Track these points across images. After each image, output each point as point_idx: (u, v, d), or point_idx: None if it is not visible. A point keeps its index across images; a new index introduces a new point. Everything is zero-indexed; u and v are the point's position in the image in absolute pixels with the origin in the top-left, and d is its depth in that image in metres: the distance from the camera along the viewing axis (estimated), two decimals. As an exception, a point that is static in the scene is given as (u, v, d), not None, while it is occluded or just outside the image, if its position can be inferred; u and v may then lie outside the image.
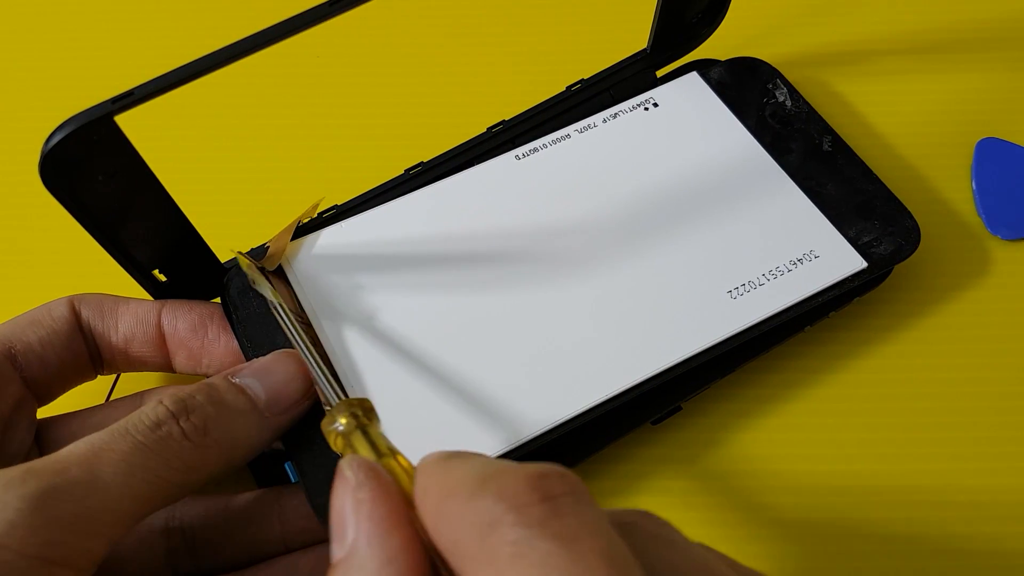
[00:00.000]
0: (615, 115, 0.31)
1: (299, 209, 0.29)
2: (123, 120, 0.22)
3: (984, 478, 0.28)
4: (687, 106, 0.32)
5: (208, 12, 0.39)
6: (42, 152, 0.21)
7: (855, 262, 0.28)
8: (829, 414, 0.29)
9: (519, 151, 0.31)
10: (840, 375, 0.30)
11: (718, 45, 0.34)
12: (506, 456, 0.25)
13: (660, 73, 0.34)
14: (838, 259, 0.28)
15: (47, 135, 0.21)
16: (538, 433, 0.25)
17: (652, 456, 0.29)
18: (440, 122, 0.36)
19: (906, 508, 0.28)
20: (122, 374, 0.30)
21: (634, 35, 0.34)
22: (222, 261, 0.28)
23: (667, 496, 0.28)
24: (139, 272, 0.26)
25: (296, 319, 0.27)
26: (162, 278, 0.27)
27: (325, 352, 0.26)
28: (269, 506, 0.25)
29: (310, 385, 0.24)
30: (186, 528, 0.25)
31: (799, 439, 0.29)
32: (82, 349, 0.26)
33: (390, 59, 0.38)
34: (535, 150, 0.31)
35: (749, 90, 0.32)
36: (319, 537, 0.25)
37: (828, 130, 0.31)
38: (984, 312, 0.31)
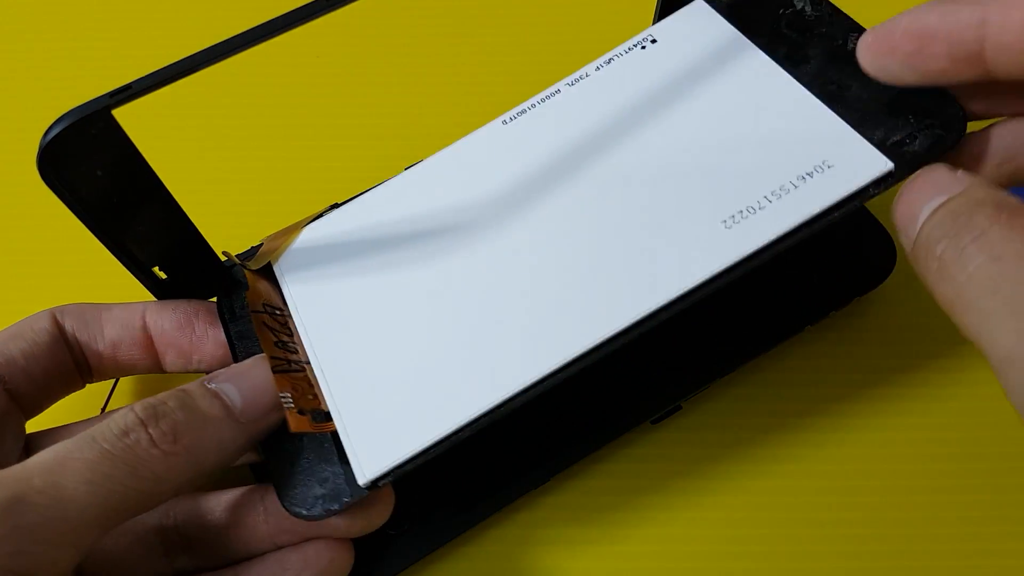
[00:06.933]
0: (609, 60, 0.29)
1: (298, 207, 0.29)
2: (123, 118, 0.22)
3: (985, 478, 0.28)
4: (689, 33, 0.28)
5: (208, 8, 0.39)
6: (40, 145, 0.21)
7: (878, 164, 0.24)
8: (830, 414, 0.29)
9: (506, 116, 0.29)
10: (841, 375, 0.30)
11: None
12: (496, 410, 0.23)
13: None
14: (857, 165, 0.24)
15: (43, 131, 0.21)
16: (516, 391, 0.23)
17: (652, 455, 0.29)
18: (440, 121, 0.36)
19: (909, 508, 0.28)
20: (119, 386, 0.30)
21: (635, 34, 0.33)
22: (222, 260, 0.28)
23: (667, 496, 0.28)
24: (139, 269, 0.26)
25: (274, 317, 0.27)
26: (162, 275, 0.27)
27: (303, 348, 0.26)
28: (254, 505, 0.25)
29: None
30: (180, 526, 0.25)
31: (799, 439, 0.29)
32: (67, 359, 0.26)
33: (390, 58, 0.38)
34: (522, 112, 0.29)
35: (763, 6, 0.28)
36: (306, 535, 0.24)
37: (855, 28, 0.27)
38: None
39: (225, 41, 0.21)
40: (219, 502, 0.25)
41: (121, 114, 0.22)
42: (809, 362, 0.30)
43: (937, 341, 0.30)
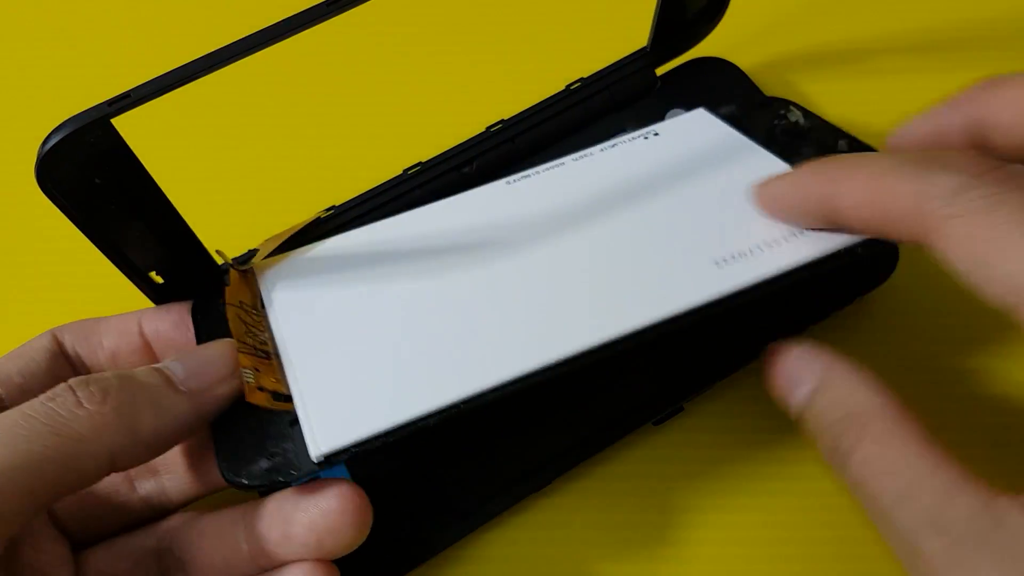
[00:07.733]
0: (613, 144, 0.31)
1: (298, 210, 0.29)
2: (120, 122, 0.21)
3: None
4: (691, 129, 0.31)
5: (207, 14, 0.39)
6: (38, 155, 0.20)
7: None
8: (831, 414, 0.29)
9: (510, 178, 0.30)
10: (842, 374, 0.30)
11: (718, 43, 0.34)
12: (471, 401, 0.23)
13: (659, 71, 0.33)
14: None
15: (42, 139, 0.21)
16: (483, 389, 0.23)
17: (654, 456, 0.29)
18: (439, 121, 0.35)
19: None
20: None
21: (634, 33, 0.33)
22: (219, 263, 0.28)
23: (669, 497, 0.28)
24: (136, 275, 0.26)
25: (248, 313, 0.26)
26: (159, 280, 0.27)
27: (273, 344, 0.26)
28: (235, 526, 0.24)
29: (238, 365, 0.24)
30: (174, 548, 0.24)
31: (802, 440, 0.29)
32: (68, 375, 0.26)
33: (389, 59, 0.38)
34: (526, 176, 0.30)
35: (759, 117, 0.31)
36: (283, 558, 0.24)
37: (844, 135, 0.30)
38: (974, 312, 0.31)
39: (224, 48, 0.21)
40: (208, 523, 0.24)
41: (119, 121, 0.21)
42: (810, 362, 0.30)
43: (939, 340, 0.30)
